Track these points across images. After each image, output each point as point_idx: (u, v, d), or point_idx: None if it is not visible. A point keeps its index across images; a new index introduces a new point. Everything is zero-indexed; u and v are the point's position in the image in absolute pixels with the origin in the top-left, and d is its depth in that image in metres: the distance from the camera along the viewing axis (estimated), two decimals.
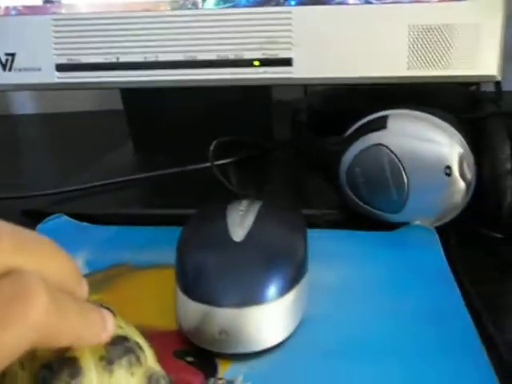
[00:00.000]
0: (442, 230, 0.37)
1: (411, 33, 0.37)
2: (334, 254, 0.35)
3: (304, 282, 0.29)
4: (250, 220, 0.30)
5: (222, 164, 0.45)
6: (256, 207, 0.31)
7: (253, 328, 0.26)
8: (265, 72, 0.39)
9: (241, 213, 0.30)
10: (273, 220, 0.31)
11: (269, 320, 0.26)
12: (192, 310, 0.27)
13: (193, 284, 0.27)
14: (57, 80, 0.40)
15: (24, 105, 0.74)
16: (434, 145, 0.35)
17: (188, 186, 0.44)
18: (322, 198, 0.42)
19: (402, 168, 0.36)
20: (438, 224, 0.37)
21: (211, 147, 0.45)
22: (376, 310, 0.30)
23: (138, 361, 0.21)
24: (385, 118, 0.37)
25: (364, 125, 0.38)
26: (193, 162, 0.46)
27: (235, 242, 0.28)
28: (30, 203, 0.44)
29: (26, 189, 0.46)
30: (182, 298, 0.27)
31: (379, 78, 0.39)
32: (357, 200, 0.39)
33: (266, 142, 0.50)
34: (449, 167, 0.34)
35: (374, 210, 0.38)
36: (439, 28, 0.37)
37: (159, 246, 0.37)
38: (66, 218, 0.41)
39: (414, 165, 0.35)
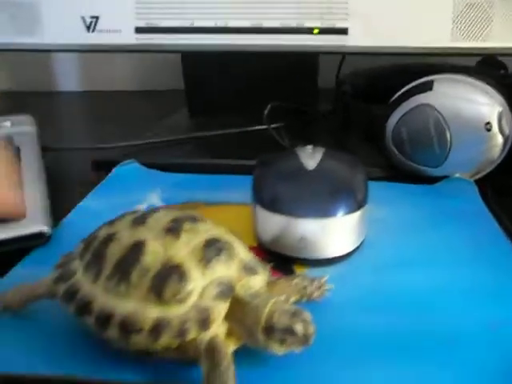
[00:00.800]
0: (479, 183, 0.41)
1: (455, 7, 0.42)
2: (382, 199, 0.39)
3: (365, 209, 0.33)
4: (318, 155, 0.34)
5: (276, 127, 0.49)
6: (321, 149, 0.36)
7: (326, 237, 0.30)
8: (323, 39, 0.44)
9: (309, 151, 0.35)
10: (338, 157, 0.35)
11: (339, 232, 0.31)
12: (274, 223, 0.31)
13: (275, 200, 0.31)
14: (135, 41, 0.45)
15: (66, 83, 0.79)
16: (476, 104, 0.39)
17: (244, 144, 0.49)
18: (367, 158, 0.47)
19: (446, 125, 0.40)
20: (475, 177, 0.42)
21: (266, 111, 0.49)
22: (424, 237, 0.34)
23: (232, 255, 0.25)
24: (431, 81, 0.41)
25: (410, 89, 0.43)
26: (243, 125, 0.51)
27: (309, 170, 0.32)
28: (99, 155, 0.49)
29: (94, 143, 0.50)
30: (264, 214, 0.32)
31: (425, 49, 0.43)
32: (401, 157, 0.43)
33: (315, 109, 0.54)
34: (489, 123, 0.39)
35: (417, 166, 0.42)
36: (481, 2, 0.41)
37: (226, 189, 0.41)
38: (137, 164, 0.45)
39: (457, 122, 0.40)
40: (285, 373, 0.23)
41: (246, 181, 0.39)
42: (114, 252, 0.25)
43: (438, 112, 0.40)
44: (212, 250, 0.24)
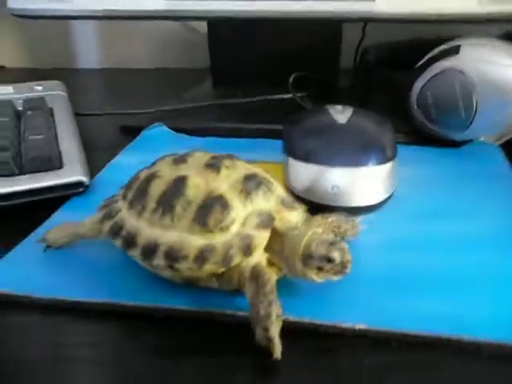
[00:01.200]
0: (503, 147, 0.42)
1: None
2: (408, 161, 0.40)
3: (395, 162, 0.34)
4: (349, 111, 0.35)
5: (301, 96, 0.50)
6: (350, 108, 0.36)
7: (358, 186, 0.31)
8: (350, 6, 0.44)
9: (339, 108, 0.36)
10: (367, 114, 0.36)
11: (369, 182, 0.32)
12: (307, 173, 0.32)
13: (308, 151, 0.32)
14: (163, 7, 0.46)
15: (87, 59, 0.80)
16: (503, 66, 0.40)
17: (268, 111, 0.50)
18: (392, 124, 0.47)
19: (472, 89, 0.40)
20: (500, 142, 0.42)
21: (290, 79, 0.50)
22: (452, 191, 0.35)
23: (270, 190, 0.26)
24: (457, 46, 0.42)
25: (437, 53, 0.43)
26: (266, 93, 0.51)
27: (340, 123, 0.33)
28: (127, 121, 0.50)
29: (122, 109, 0.51)
30: (297, 165, 0.32)
31: (452, 15, 0.44)
32: (426, 121, 0.43)
33: (337, 80, 0.55)
34: None
35: (442, 130, 0.43)
36: None
37: (254, 150, 0.42)
38: (165, 127, 0.46)
39: (483, 85, 0.40)
40: (323, 301, 0.24)
41: (273, 143, 0.40)
42: (157, 188, 0.26)
43: (465, 75, 0.41)
44: (252, 183, 0.25)
